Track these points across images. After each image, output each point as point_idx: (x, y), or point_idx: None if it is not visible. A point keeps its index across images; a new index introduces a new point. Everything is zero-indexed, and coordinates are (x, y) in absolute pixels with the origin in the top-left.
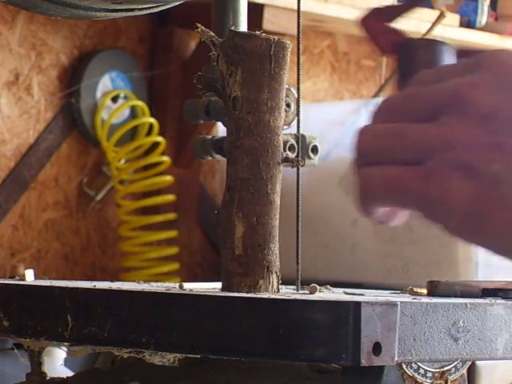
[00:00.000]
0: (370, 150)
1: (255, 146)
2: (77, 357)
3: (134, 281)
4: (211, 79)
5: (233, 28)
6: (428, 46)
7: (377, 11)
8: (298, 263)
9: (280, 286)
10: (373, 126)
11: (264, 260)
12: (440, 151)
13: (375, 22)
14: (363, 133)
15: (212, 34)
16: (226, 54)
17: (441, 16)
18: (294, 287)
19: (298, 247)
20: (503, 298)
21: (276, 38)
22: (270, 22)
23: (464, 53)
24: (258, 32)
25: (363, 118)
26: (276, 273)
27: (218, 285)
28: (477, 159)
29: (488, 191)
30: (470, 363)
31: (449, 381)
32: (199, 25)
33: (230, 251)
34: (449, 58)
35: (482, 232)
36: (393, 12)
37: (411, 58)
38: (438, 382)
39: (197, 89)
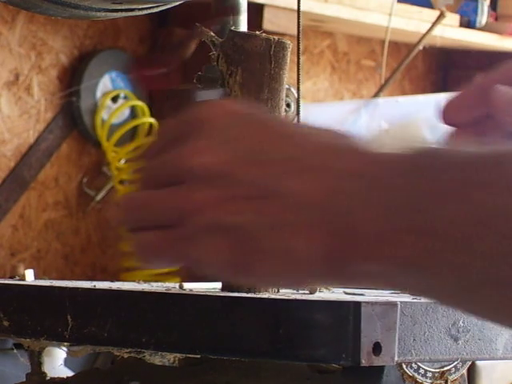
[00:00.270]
0: (131, 218)
1: None
2: (77, 357)
3: (133, 281)
4: (211, 79)
5: (233, 28)
6: (185, 94)
7: (140, 61)
8: None
9: None
10: (130, 195)
11: None
12: (187, 215)
13: (140, 71)
14: (124, 202)
15: (212, 34)
16: (226, 54)
17: (441, 16)
18: None
19: None
20: None
21: (276, 37)
22: (270, 21)
23: (464, 53)
24: (258, 32)
25: (363, 118)
26: None
27: (218, 285)
28: (219, 217)
29: (242, 241)
30: (470, 363)
31: (449, 381)
32: (199, 25)
33: None
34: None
35: (253, 276)
36: (155, 61)
37: (169, 104)
38: (438, 382)
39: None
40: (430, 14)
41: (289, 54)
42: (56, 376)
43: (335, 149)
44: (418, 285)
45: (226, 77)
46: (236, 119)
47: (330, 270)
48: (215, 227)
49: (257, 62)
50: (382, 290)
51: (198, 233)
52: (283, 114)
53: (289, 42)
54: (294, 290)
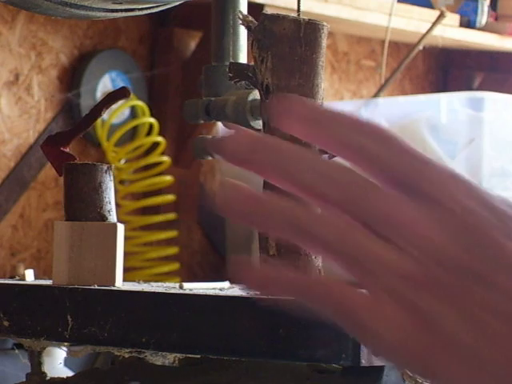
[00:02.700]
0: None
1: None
2: (77, 357)
3: (133, 281)
4: (243, 67)
5: (265, 11)
6: (91, 170)
7: (52, 137)
8: None
9: None
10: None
11: (298, 260)
12: (377, 269)
13: (51, 147)
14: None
15: (251, 18)
16: (258, 39)
17: (441, 16)
18: None
19: None
20: None
21: (307, 18)
22: None
23: (464, 53)
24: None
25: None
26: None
27: (218, 285)
28: (413, 290)
29: (430, 332)
30: None
31: None
32: (240, 10)
33: (265, 251)
34: (109, 180)
35: (433, 375)
36: (66, 137)
37: (75, 180)
38: None
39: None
40: (430, 14)
41: (323, 36)
42: (56, 376)
43: None
44: None
45: (258, 63)
46: (474, 203)
47: None
48: (404, 298)
49: (286, 46)
50: None
51: (380, 297)
52: (320, 100)
53: (323, 23)
54: None
